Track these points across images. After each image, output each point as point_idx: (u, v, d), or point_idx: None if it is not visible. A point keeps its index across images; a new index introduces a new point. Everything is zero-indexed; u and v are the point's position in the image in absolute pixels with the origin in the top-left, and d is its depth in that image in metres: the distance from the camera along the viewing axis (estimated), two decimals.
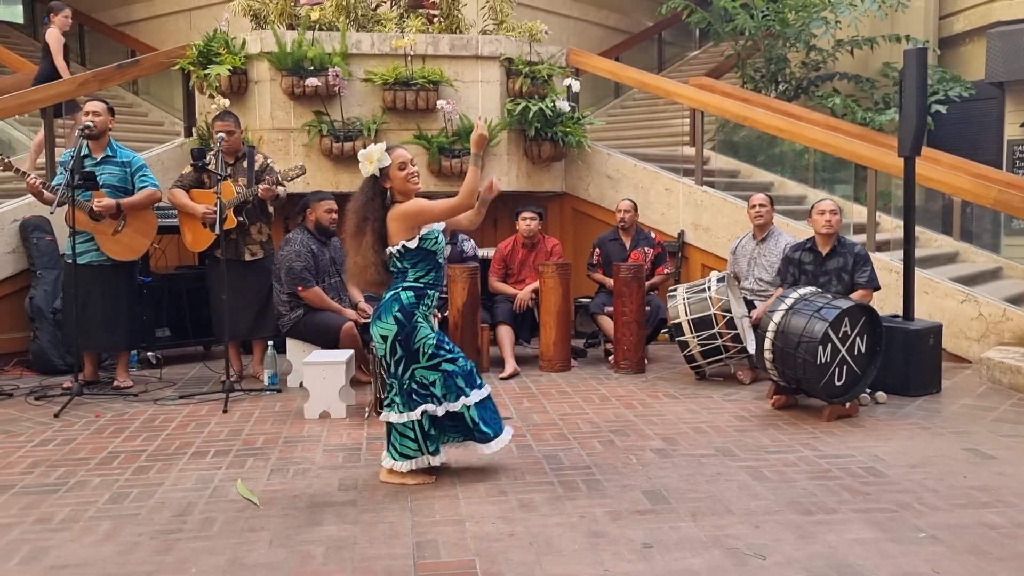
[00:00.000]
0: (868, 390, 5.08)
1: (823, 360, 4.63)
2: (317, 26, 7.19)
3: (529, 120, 7.33)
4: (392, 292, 3.74)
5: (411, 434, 3.75)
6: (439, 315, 6.18)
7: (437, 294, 3.85)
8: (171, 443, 4.44)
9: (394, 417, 3.77)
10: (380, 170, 3.70)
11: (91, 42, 11.49)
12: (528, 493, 3.64)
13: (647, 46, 12.37)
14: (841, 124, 8.18)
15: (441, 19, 7.59)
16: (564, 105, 7.46)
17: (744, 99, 8.25)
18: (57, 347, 6.16)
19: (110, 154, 5.63)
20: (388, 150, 3.72)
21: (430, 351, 3.76)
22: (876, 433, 4.54)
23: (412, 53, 7.17)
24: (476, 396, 3.84)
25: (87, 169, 5.45)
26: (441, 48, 7.32)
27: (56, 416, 4.96)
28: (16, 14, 12.85)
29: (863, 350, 4.85)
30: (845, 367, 4.76)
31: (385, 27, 7.43)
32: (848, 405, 4.85)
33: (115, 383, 5.70)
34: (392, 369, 3.76)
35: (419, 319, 3.74)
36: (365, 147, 3.79)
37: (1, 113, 6.77)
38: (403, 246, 3.70)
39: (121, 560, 2.99)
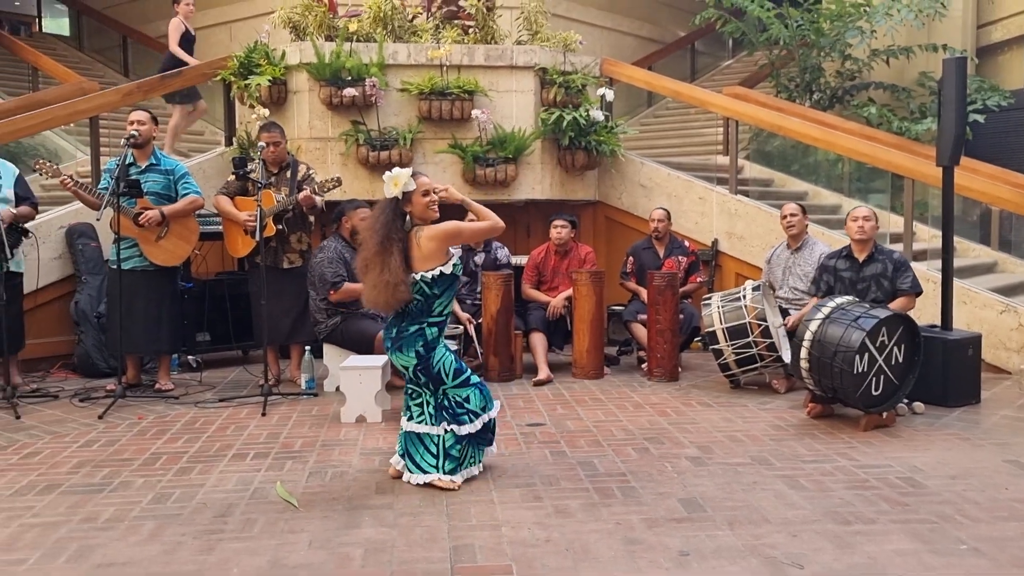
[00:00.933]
0: (905, 400, 5.01)
1: (860, 370, 4.57)
2: (355, 37, 7.26)
3: (563, 129, 7.34)
4: (417, 327, 3.74)
5: (433, 448, 3.79)
6: (473, 321, 6.22)
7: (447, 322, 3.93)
8: (212, 445, 4.49)
9: (416, 426, 3.84)
10: (403, 193, 3.72)
11: (134, 54, 11.69)
12: (564, 499, 3.63)
13: (680, 56, 12.33)
14: (877, 134, 8.08)
15: (476, 30, 7.63)
16: (598, 114, 7.46)
17: (778, 108, 8.19)
18: (101, 350, 6.26)
19: (154, 162, 5.73)
20: (414, 175, 3.74)
21: (452, 370, 3.79)
22: (914, 444, 4.47)
23: (448, 63, 7.21)
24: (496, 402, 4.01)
25: (132, 177, 5.54)
26: (476, 58, 7.35)
27: (100, 417, 5.04)
28: (63, 27, 13.14)
29: (901, 360, 4.79)
30: (882, 377, 4.70)
31: (421, 38, 7.49)
32: (885, 415, 4.78)
33: (157, 386, 5.78)
34: (423, 384, 3.83)
35: (440, 346, 3.81)
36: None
37: (50, 123, 6.91)
38: (440, 272, 3.71)
39: (165, 560, 3.02)
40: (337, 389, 5.51)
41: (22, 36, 11.37)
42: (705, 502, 3.59)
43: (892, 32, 8.88)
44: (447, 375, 3.78)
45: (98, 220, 5.55)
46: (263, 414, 5.11)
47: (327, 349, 5.86)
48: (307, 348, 5.81)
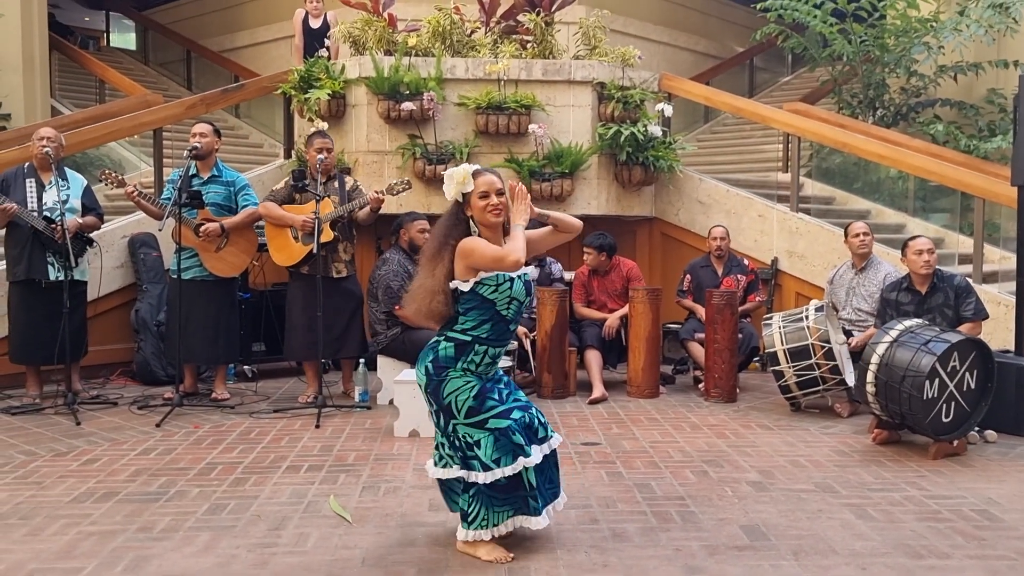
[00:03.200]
0: (977, 428, 4.80)
1: (930, 395, 4.39)
2: (413, 52, 7.28)
3: (620, 144, 7.26)
4: (435, 340, 3.26)
5: (480, 502, 3.19)
6: (529, 335, 6.15)
7: (496, 355, 3.26)
8: (266, 456, 4.49)
9: (440, 472, 3.28)
10: (463, 195, 3.23)
11: (197, 68, 11.93)
12: (621, 522, 3.54)
13: (738, 72, 12.17)
14: (944, 151, 7.84)
15: (534, 44, 7.60)
16: (656, 130, 7.36)
17: (841, 125, 8.00)
18: (160, 358, 6.34)
19: (216, 174, 5.79)
20: (476, 173, 3.22)
21: (465, 408, 3.16)
22: (988, 474, 4.27)
23: (505, 78, 7.19)
24: (537, 453, 3.23)
25: (194, 188, 5.62)
26: (534, 73, 7.32)
27: (158, 426, 5.09)
28: (129, 41, 13.49)
29: (973, 386, 4.59)
30: (953, 403, 4.51)
31: (479, 52, 7.49)
32: (956, 443, 4.59)
33: (213, 395, 5.82)
34: (435, 420, 3.26)
35: (451, 374, 3.18)
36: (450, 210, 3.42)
37: (115, 135, 7.07)
38: (457, 288, 3.18)
39: (220, 572, 3.01)
40: (391, 402, 5.49)
41: (91, 50, 11.68)
42: (768, 530, 3.46)
43: (960, 48, 8.64)
44: (459, 411, 3.16)
45: (160, 230, 5.62)
46: (317, 426, 5.11)
47: (381, 362, 5.84)
48: (361, 360, 5.80)
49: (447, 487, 3.36)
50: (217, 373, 5.97)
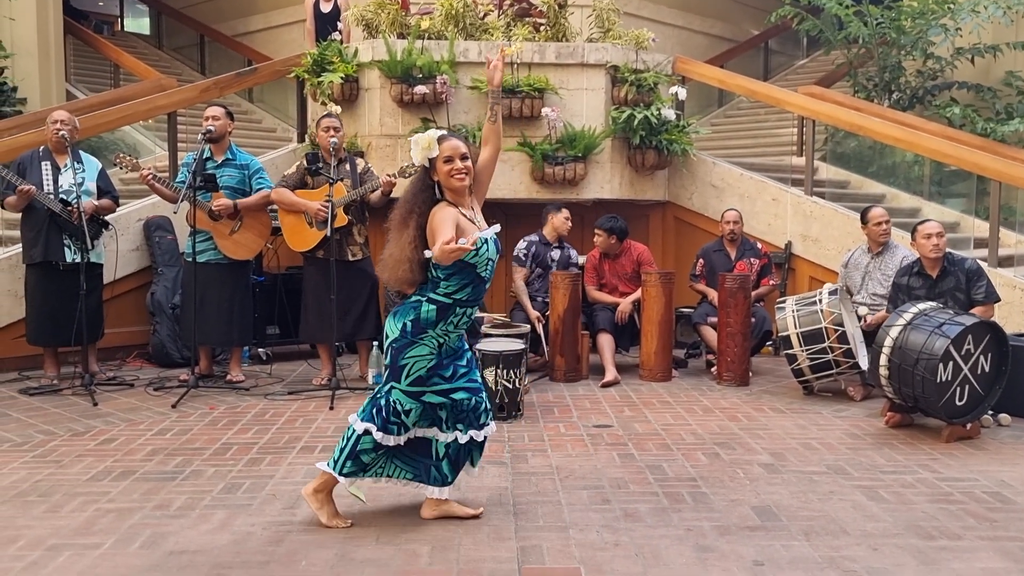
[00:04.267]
0: (991, 412, 4.79)
1: (943, 379, 4.38)
2: (426, 35, 7.27)
3: (634, 128, 7.24)
4: (416, 298, 3.27)
5: (344, 445, 3.32)
6: (542, 320, 6.16)
7: (472, 313, 3.34)
8: (281, 437, 4.53)
9: (351, 419, 3.35)
10: (429, 160, 3.24)
11: (211, 52, 11.95)
12: (632, 503, 3.56)
13: (753, 55, 12.07)
14: (960, 135, 7.77)
15: (547, 27, 7.57)
16: (670, 113, 7.34)
17: (857, 108, 7.93)
18: (175, 341, 6.39)
19: (230, 157, 5.82)
20: (441, 139, 3.22)
21: (415, 375, 3.25)
22: (1001, 457, 4.27)
23: (518, 61, 7.18)
24: (463, 437, 3.36)
25: (208, 171, 5.64)
26: (547, 56, 7.30)
27: (173, 407, 5.14)
28: (144, 26, 13.51)
29: (987, 369, 4.58)
30: (967, 387, 4.50)
31: (492, 35, 7.46)
32: (969, 426, 4.58)
33: (228, 377, 5.86)
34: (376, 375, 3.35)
35: (428, 339, 3.25)
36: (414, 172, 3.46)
37: (130, 118, 7.10)
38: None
39: (235, 549, 3.05)
40: None
41: (105, 35, 11.71)
42: (779, 511, 3.47)
43: (978, 29, 8.54)
44: (405, 377, 3.25)
45: (175, 213, 5.66)
46: (331, 408, 5.15)
47: None
48: (375, 343, 5.83)
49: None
50: (232, 355, 6.02)
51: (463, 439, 3.38)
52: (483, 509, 3.42)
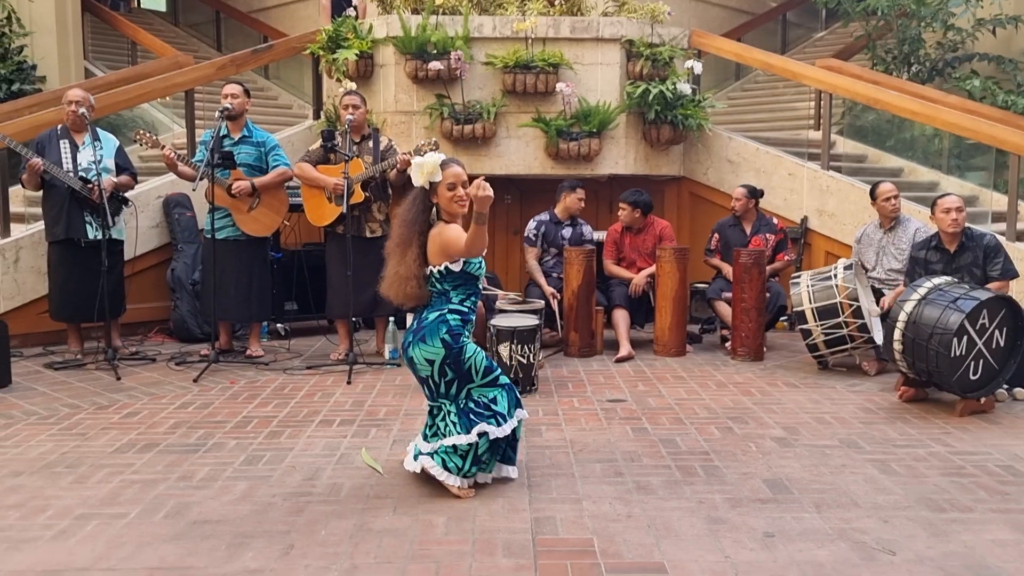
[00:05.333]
0: (1006, 386, 4.79)
1: (957, 353, 4.39)
2: (441, 10, 7.25)
3: (649, 103, 7.22)
4: (438, 314, 3.44)
5: (464, 454, 3.43)
6: (557, 296, 6.20)
7: (472, 318, 3.55)
8: (300, 410, 4.61)
9: (455, 440, 3.42)
10: (430, 183, 3.44)
11: (227, 28, 11.96)
12: (645, 476, 3.60)
13: (770, 28, 11.95)
14: (980, 107, 7.70)
15: (562, 2, 7.53)
16: (685, 87, 7.31)
17: (875, 81, 7.86)
18: (195, 316, 6.48)
19: (246, 134, 5.86)
20: (444, 164, 3.42)
21: (483, 367, 3.47)
22: (1015, 431, 4.28)
23: (533, 36, 7.16)
24: (522, 413, 3.59)
25: (226, 148, 5.69)
26: (562, 31, 7.27)
27: (195, 381, 5.23)
28: (159, 3, 13.51)
29: (1002, 344, 4.58)
30: (981, 361, 4.50)
31: (506, 10, 7.44)
32: (983, 401, 4.59)
33: (248, 352, 5.95)
34: (444, 391, 3.48)
35: (465, 339, 3.47)
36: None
37: (148, 96, 7.14)
38: (446, 267, 3.41)
39: (257, 519, 3.12)
40: None
41: (121, 11, 11.74)
42: (791, 484, 3.51)
43: (1000, 0, 8.42)
44: (477, 372, 3.46)
45: (194, 191, 5.72)
46: (348, 382, 5.22)
47: (411, 320, 5.91)
48: (391, 319, 5.89)
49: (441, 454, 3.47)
50: (251, 331, 6.10)
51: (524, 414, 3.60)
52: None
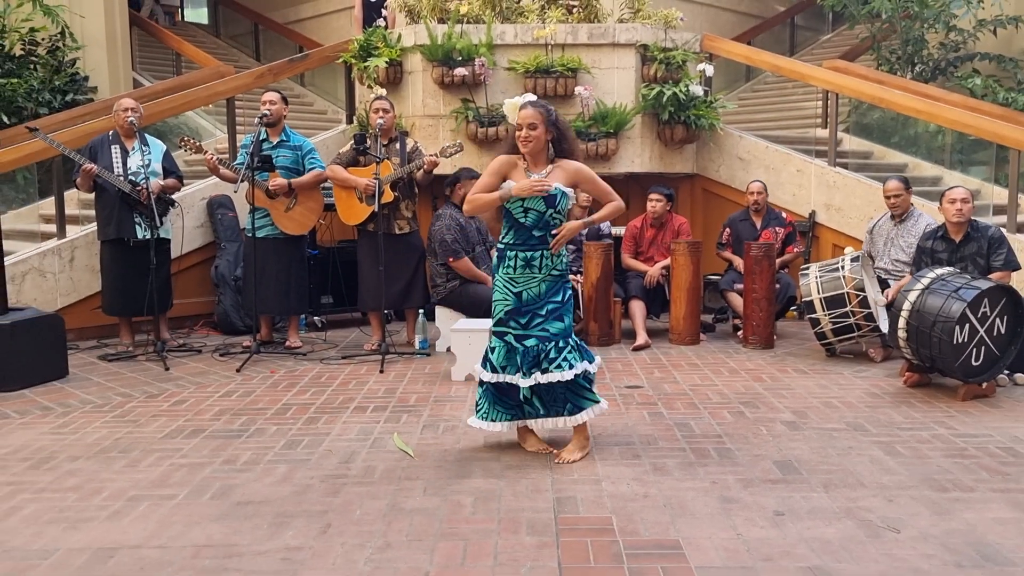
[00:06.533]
0: (1007, 372, 4.73)
1: (960, 340, 4.34)
2: (465, 19, 7.26)
3: (663, 104, 7.18)
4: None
5: (480, 395, 3.71)
6: (579, 280, 6.17)
7: (528, 258, 3.54)
8: (336, 398, 4.65)
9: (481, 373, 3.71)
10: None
11: (264, 39, 12.03)
12: (661, 458, 3.60)
13: (779, 31, 11.83)
14: (981, 105, 7.58)
15: (580, 9, 7.51)
16: (698, 89, 7.26)
17: (880, 81, 7.76)
18: (238, 310, 6.54)
19: (284, 139, 5.90)
20: (523, 107, 3.57)
21: (497, 316, 3.61)
22: (1015, 414, 4.23)
23: (552, 42, 7.13)
24: (543, 378, 3.52)
25: (265, 152, 5.73)
26: (580, 37, 7.25)
27: (238, 371, 5.28)
28: (202, 16, 13.64)
29: (1003, 331, 4.51)
30: (983, 348, 4.45)
31: (527, 19, 7.42)
32: (985, 385, 4.54)
33: (287, 343, 6.00)
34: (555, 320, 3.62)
35: (498, 283, 3.60)
36: (507, 131, 3.74)
37: (192, 104, 7.21)
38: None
39: (297, 500, 3.15)
40: (448, 350, 5.60)
41: (167, 25, 11.85)
42: (800, 465, 3.49)
43: (1000, 1, 8.28)
44: (493, 317, 3.65)
45: (235, 192, 5.76)
46: (381, 371, 5.25)
47: (439, 312, 5.94)
48: (420, 311, 5.91)
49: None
50: (290, 323, 6.15)
51: (543, 380, 3.52)
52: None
